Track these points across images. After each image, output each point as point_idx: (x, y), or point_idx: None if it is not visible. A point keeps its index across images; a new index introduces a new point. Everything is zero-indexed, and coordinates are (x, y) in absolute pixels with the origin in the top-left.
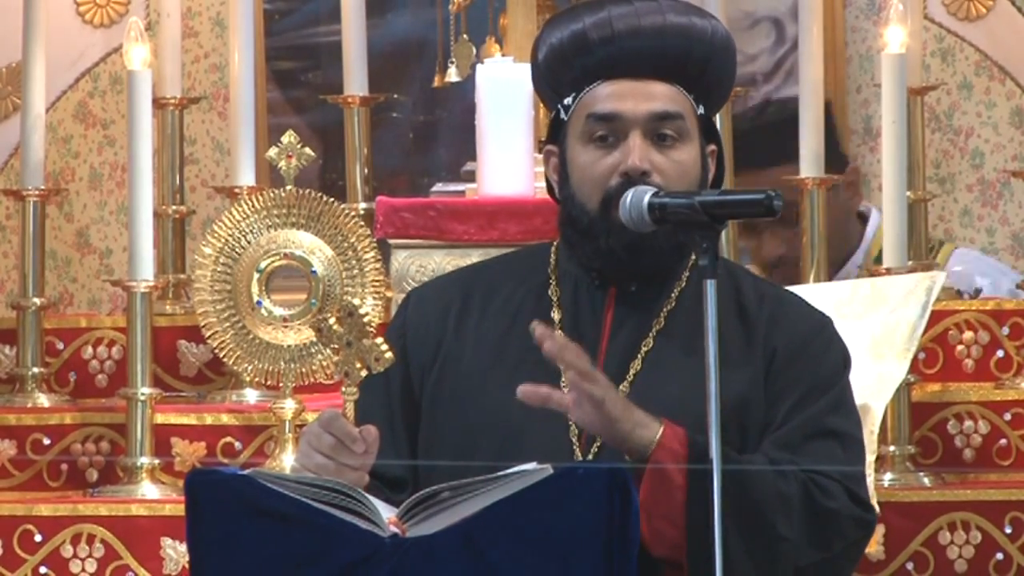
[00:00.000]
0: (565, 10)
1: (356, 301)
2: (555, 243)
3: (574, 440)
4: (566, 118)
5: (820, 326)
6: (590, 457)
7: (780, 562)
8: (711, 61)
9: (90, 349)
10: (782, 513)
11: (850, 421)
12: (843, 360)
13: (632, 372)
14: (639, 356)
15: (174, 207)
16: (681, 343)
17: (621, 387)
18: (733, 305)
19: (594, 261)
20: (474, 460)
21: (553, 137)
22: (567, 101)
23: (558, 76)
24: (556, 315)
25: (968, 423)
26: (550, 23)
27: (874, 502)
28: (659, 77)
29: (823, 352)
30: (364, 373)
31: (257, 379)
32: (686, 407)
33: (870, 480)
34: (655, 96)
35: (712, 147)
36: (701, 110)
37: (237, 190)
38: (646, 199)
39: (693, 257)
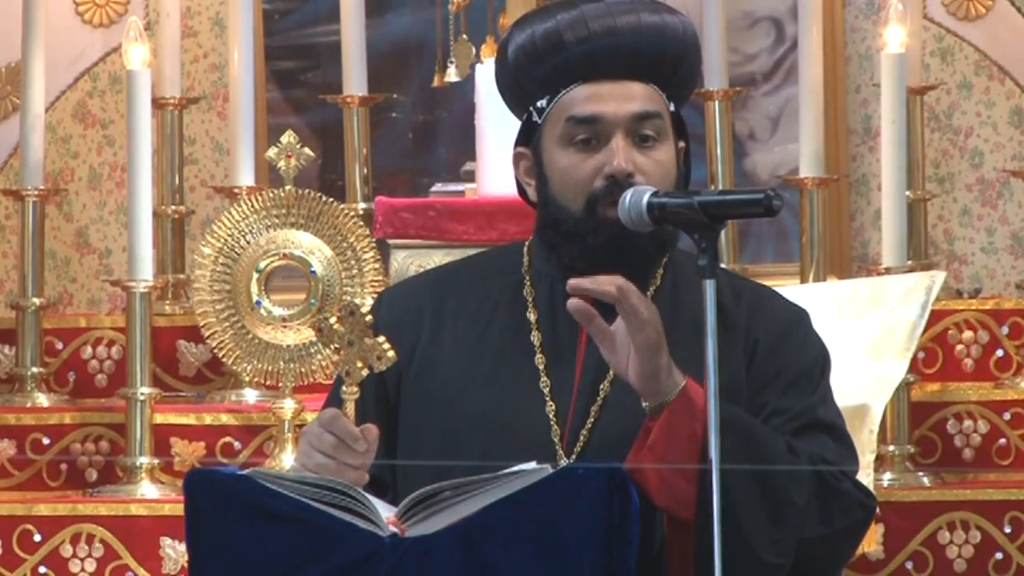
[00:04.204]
0: (534, 10)
1: (357, 300)
2: (527, 243)
3: (556, 441)
4: (540, 121)
5: (799, 317)
6: (573, 458)
7: (791, 529)
8: (684, 58)
9: (89, 349)
10: (793, 482)
11: (839, 416)
12: (823, 354)
13: (611, 372)
14: None
15: (173, 207)
16: None
17: (601, 387)
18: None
19: (579, 261)
20: (457, 462)
21: (524, 140)
22: (540, 103)
23: (529, 75)
24: (532, 315)
25: (967, 423)
26: (519, 23)
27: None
28: (634, 76)
29: (804, 340)
30: (365, 372)
31: (256, 379)
32: None
33: (870, 479)
34: (634, 97)
35: (682, 144)
36: (673, 107)
37: (236, 190)
38: (645, 199)
39: (667, 256)
